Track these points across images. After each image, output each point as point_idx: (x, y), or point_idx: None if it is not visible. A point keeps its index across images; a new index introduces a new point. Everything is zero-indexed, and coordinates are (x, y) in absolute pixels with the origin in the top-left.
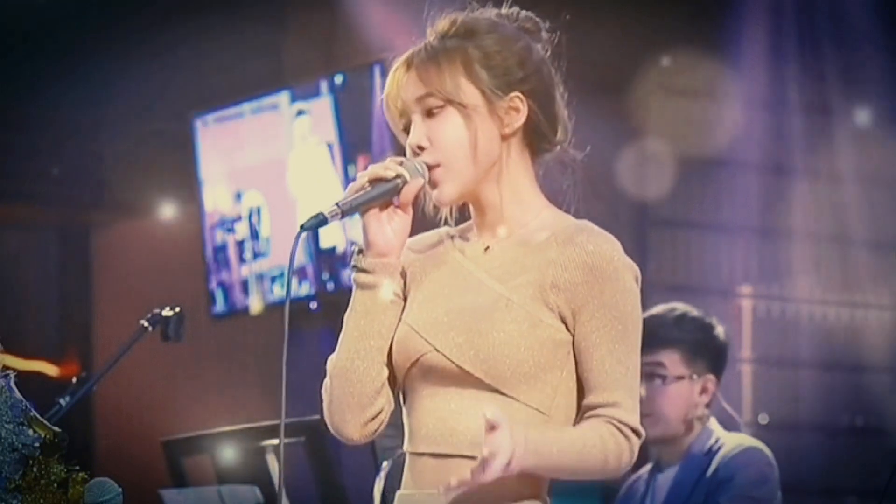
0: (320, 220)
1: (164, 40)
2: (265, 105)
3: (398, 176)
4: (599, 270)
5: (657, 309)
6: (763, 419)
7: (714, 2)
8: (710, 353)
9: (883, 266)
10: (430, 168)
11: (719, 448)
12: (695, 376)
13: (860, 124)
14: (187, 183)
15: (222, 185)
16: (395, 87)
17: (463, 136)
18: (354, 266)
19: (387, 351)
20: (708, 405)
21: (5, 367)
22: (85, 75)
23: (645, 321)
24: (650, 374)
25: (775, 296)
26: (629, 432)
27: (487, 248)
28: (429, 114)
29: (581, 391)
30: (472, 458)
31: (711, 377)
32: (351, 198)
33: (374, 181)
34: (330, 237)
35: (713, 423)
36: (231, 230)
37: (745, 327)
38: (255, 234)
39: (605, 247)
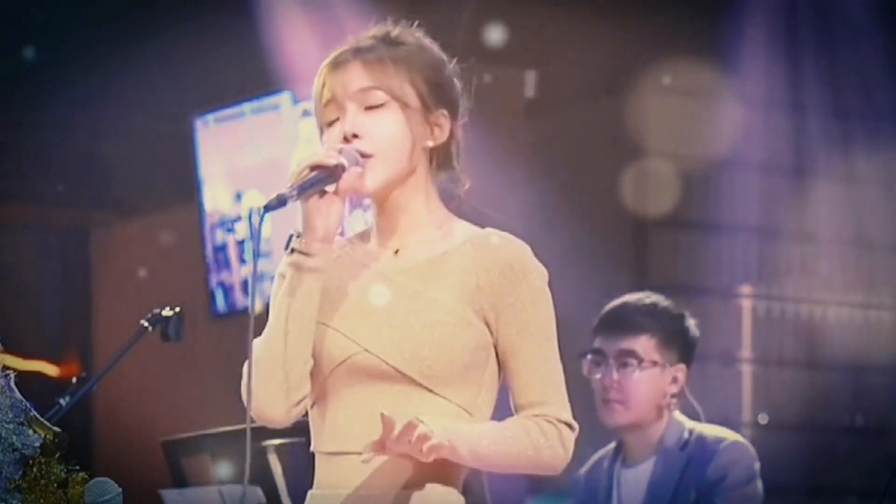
0: (281, 200)
1: (164, 40)
2: (266, 105)
3: (338, 165)
4: (514, 271)
5: (629, 297)
6: (763, 419)
7: (714, 2)
8: (682, 344)
9: (883, 266)
10: (364, 157)
11: (695, 440)
12: (667, 365)
13: (861, 124)
14: (187, 183)
15: (222, 185)
16: (331, 78)
17: (402, 133)
18: (298, 250)
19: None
20: (675, 396)
21: (5, 367)
22: (85, 75)
23: (617, 308)
24: (623, 361)
25: (775, 296)
26: (561, 425)
27: (397, 251)
28: (369, 107)
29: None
30: (403, 456)
31: (682, 367)
32: (301, 181)
33: (315, 168)
34: None
35: (679, 415)
36: (231, 230)
37: (745, 327)
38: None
39: (518, 249)
